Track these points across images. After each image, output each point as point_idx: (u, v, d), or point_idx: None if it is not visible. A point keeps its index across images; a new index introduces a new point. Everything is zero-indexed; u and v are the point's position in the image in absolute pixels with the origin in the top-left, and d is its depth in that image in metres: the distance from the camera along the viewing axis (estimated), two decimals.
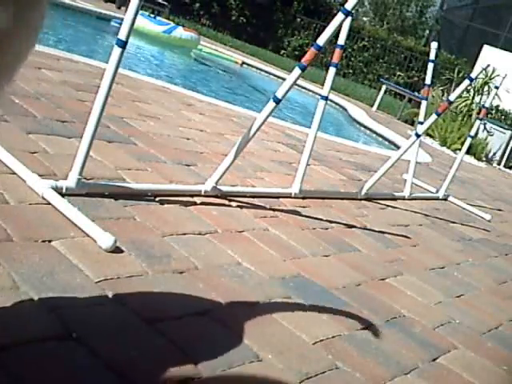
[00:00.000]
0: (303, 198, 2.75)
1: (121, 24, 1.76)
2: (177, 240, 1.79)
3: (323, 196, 2.94)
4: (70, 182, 1.80)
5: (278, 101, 2.18)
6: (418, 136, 3.37)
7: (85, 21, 9.77)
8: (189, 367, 1.22)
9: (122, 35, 1.75)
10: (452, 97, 3.50)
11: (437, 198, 4.07)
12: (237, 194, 2.41)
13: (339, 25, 2.20)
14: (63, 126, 2.45)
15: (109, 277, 1.44)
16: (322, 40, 2.17)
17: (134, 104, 3.34)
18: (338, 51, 2.70)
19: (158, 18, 10.87)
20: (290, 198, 2.69)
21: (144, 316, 1.33)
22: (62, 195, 1.75)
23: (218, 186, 2.30)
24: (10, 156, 1.88)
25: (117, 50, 1.76)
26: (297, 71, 2.17)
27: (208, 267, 1.69)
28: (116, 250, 1.57)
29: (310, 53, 2.18)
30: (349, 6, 2.20)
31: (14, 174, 1.81)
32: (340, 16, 2.18)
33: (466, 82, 3.48)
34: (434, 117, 3.41)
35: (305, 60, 2.18)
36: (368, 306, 1.85)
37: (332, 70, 2.72)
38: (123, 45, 1.75)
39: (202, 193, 2.25)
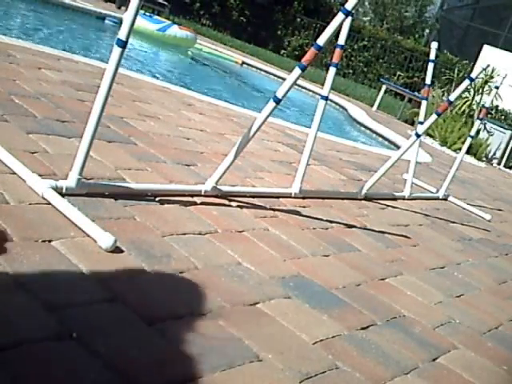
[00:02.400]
0: (303, 198, 2.75)
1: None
2: (177, 240, 1.79)
3: (323, 196, 2.94)
4: (70, 181, 1.80)
5: (278, 101, 2.18)
6: (418, 136, 3.37)
7: (84, 21, 9.77)
8: (189, 367, 1.22)
9: (122, 35, 1.75)
10: (452, 97, 3.51)
11: (437, 198, 4.07)
12: (237, 194, 2.41)
13: (339, 25, 2.20)
14: (63, 126, 2.45)
15: (109, 277, 1.44)
16: (322, 40, 2.17)
17: (133, 104, 3.34)
18: (338, 51, 2.70)
19: (155, 16, 10.85)
20: (290, 198, 2.69)
21: (144, 316, 1.33)
22: (62, 195, 1.75)
23: (218, 186, 2.30)
24: (9, 156, 1.88)
25: (117, 50, 1.75)
26: (297, 71, 2.17)
27: (208, 267, 1.70)
28: (116, 249, 1.57)
29: (310, 53, 2.18)
30: (349, 6, 2.20)
31: (14, 173, 1.81)
32: (340, 16, 2.18)
33: (466, 81, 3.48)
34: (434, 117, 3.41)
35: (305, 60, 2.18)
36: (368, 305, 1.85)
37: (332, 70, 2.72)
38: (123, 45, 1.75)
39: (202, 193, 2.25)
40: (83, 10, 10.39)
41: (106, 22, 10.19)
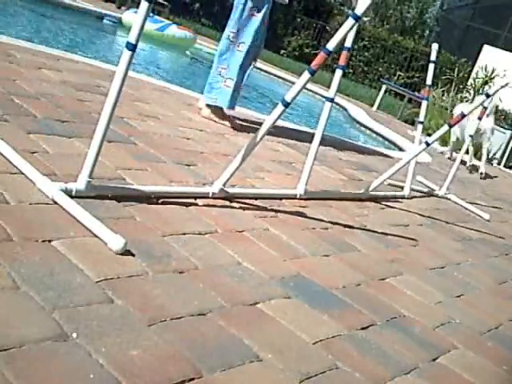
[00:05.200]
0: (307, 200, 2.75)
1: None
2: (177, 240, 1.79)
3: (328, 197, 2.93)
4: (80, 184, 1.80)
5: (286, 104, 2.20)
6: (427, 145, 3.36)
7: (84, 20, 9.78)
8: (189, 367, 1.22)
9: (132, 38, 1.74)
10: (466, 110, 3.46)
11: (436, 196, 4.07)
12: (244, 196, 2.40)
13: (349, 30, 2.20)
14: (63, 126, 2.45)
15: (109, 277, 1.44)
16: (331, 45, 2.19)
17: (133, 104, 3.34)
18: (344, 53, 2.71)
19: (154, 16, 10.83)
20: (296, 199, 2.68)
21: (144, 316, 1.33)
22: (72, 197, 1.74)
23: (226, 188, 2.30)
24: (19, 158, 1.87)
25: (126, 53, 1.75)
26: (306, 75, 2.19)
27: (208, 267, 1.70)
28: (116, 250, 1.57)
29: (320, 57, 2.19)
30: (359, 11, 2.21)
31: (14, 173, 1.81)
32: (350, 21, 2.19)
33: (482, 97, 3.51)
34: (445, 127, 3.41)
35: (314, 64, 2.20)
36: (368, 305, 1.85)
37: (338, 73, 2.73)
38: (133, 48, 1.75)
39: (210, 195, 2.25)
40: (83, 9, 10.41)
41: (105, 21, 10.21)
